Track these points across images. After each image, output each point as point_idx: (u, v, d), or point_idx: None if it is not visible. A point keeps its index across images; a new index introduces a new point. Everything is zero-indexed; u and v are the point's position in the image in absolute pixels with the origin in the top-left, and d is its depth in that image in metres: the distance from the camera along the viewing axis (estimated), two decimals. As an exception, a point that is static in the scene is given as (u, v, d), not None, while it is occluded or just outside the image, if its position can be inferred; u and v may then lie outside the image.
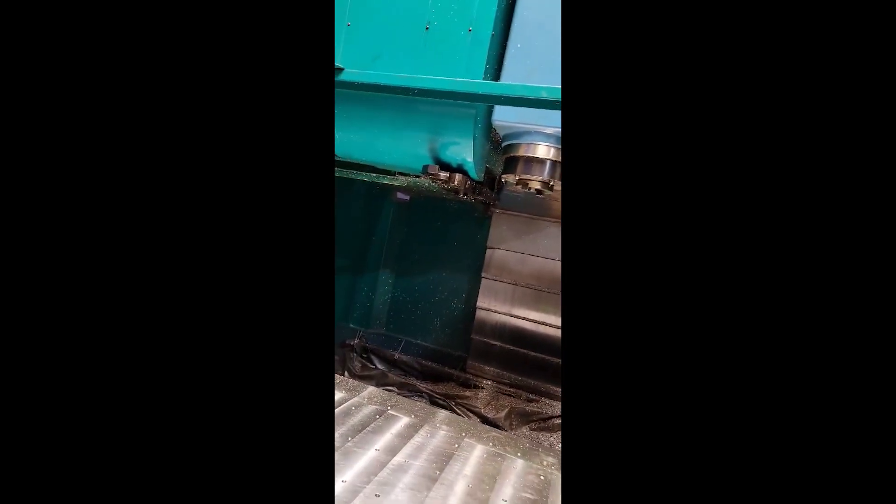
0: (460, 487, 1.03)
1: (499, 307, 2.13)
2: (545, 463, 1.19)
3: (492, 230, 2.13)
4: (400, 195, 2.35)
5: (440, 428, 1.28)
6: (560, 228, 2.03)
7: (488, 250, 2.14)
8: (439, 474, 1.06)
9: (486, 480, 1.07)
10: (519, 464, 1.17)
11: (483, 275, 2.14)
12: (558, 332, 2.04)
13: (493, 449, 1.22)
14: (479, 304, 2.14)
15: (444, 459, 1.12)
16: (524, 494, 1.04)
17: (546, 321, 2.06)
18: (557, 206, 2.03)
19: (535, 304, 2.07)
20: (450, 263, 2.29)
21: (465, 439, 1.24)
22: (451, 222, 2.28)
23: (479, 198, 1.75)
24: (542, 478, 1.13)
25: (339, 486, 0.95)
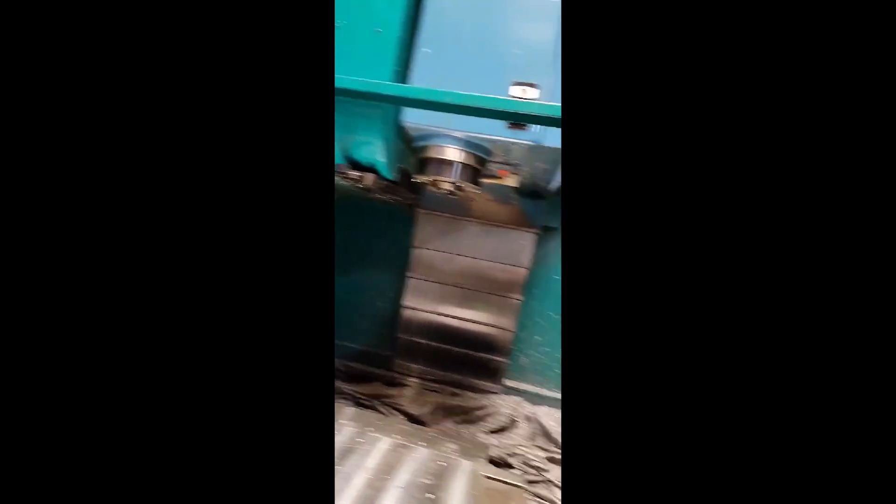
0: (359, 480, 1.04)
1: (425, 306, 2.17)
2: (448, 450, 1.24)
3: (416, 230, 2.17)
4: (325, 195, 2.32)
5: (344, 425, 1.29)
6: (483, 228, 2.11)
7: (414, 250, 2.18)
8: (337, 470, 1.07)
9: (386, 470, 1.10)
10: (422, 453, 1.21)
11: (408, 274, 2.17)
12: (482, 328, 2.12)
13: (398, 440, 1.25)
14: (405, 302, 2.17)
15: (343, 455, 1.13)
16: (421, 480, 1.08)
17: (471, 318, 2.13)
18: (478, 206, 2.11)
19: (461, 301, 2.14)
20: (375, 263, 2.30)
21: (369, 433, 1.25)
22: (376, 222, 2.28)
23: (396, 198, 1.78)
24: (442, 464, 1.17)
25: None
